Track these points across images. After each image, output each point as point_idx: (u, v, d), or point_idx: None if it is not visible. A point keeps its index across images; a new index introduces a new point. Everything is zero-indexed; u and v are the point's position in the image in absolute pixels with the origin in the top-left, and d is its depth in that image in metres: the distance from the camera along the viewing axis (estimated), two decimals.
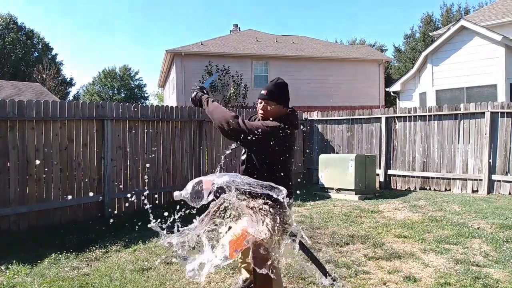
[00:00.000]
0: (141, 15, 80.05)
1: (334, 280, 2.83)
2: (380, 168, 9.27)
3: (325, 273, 2.80)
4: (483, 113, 8.06)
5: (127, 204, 6.71)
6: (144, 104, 13.55)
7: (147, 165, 7.02)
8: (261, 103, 2.78)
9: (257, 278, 2.55)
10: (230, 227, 2.71)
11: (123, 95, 46.14)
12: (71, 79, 40.05)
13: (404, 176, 9.09)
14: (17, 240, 5.05)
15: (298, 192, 8.34)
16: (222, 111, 2.71)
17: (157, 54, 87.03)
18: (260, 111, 2.79)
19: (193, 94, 2.96)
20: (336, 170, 8.23)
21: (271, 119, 2.71)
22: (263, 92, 2.78)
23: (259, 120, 2.81)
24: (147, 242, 4.94)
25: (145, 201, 6.96)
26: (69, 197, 6.00)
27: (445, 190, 8.50)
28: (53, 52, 38.64)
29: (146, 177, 7.03)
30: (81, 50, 78.34)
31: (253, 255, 2.48)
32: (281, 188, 2.31)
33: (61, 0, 71.19)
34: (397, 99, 15.24)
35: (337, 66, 20.75)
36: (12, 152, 5.45)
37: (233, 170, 6.92)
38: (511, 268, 3.84)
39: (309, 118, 10.69)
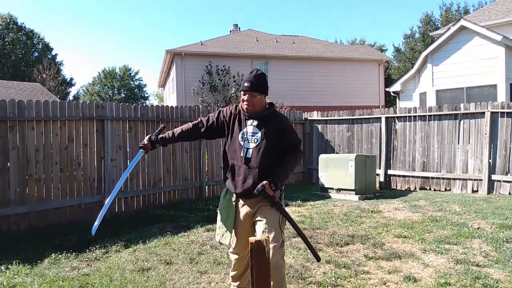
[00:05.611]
0: (141, 15, 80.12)
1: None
2: (380, 168, 9.26)
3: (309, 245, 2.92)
4: (483, 113, 8.06)
5: (127, 204, 6.71)
6: (144, 104, 13.53)
7: (147, 165, 7.02)
8: (245, 95, 2.82)
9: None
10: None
11: (123, 95, 46.06)
12: (71, 79, 39.92)
13: (404, 176, 9.09)
14: (17, 240, 5.04)
15: (298, 192, 8.40)
16: (294, 162, 2.93)
17: (157, 54, 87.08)
18: (245, 104, 2.83)
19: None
20: (336, 170, 8.22)
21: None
22: (246, 84, 2.81)
23: (241, 111, 2.90)
24: (147, 242, 4.94)
25: (145, 201, 6.99)
26: (69, 197, 5.99)
27: (445, 190, 8.50)
28: (53, 52, 38.58)
29: (146, 177, 7.02)
30: (81, 50, 78.37)
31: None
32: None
33: (61, 0, 71.25)
34: (397, 99, 15.23)
35: (337, 66, 20.75)
36: (12, 152, 5.44)
37: None
38: (511, 268, 3.84)
39: (309, 118, 10.69)
